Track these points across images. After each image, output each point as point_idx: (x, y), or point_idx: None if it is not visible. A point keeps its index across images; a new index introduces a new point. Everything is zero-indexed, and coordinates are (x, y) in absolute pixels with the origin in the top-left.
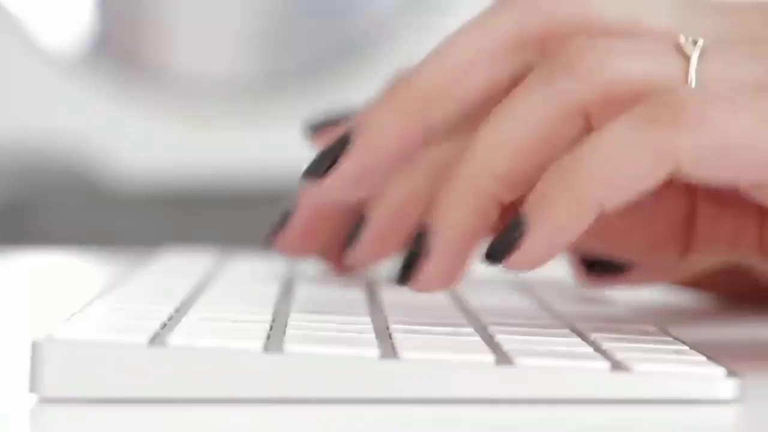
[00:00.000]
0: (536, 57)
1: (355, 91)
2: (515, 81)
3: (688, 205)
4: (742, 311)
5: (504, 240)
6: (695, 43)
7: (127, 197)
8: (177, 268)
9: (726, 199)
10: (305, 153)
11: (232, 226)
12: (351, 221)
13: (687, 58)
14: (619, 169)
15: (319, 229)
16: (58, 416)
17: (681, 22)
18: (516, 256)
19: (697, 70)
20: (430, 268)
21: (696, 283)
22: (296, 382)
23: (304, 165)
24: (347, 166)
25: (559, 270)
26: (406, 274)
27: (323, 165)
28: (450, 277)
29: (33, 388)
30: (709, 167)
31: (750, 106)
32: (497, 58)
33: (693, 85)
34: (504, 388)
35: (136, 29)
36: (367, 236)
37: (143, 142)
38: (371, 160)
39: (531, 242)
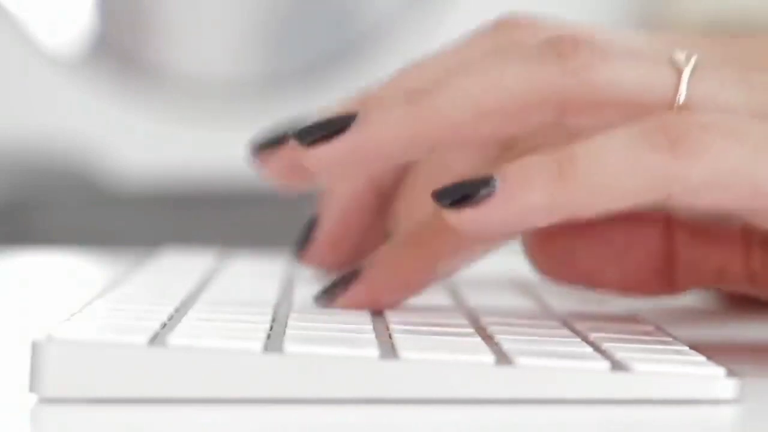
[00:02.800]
0: (548, 120)
1: (354, 90)
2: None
3: (666, 242)
4: (742, 311)
5: (464, 191)
6: (689, 59)
7: (127, 197)
8: (177, 268)
9: (708, 234)
10: None
11: (232, 226)
12: (377, 229)
13: (679, 73)
14: (608, 184)
15: (346, 239)
16: (58, 416)
17: (675, 41)
18: (469, 213)
19: (688, 87)
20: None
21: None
22: (296, 382)
23: None
24: (339, 147)
25: None
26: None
27: (315, 134)
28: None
29: (33, 388)
30: (702, 198)
31: (745, 136)
32: (523, 113)
33: (681, 101)
34: (504, 388)
35: (136, 29)
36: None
37: (143, 142)
38: (366, 149)
39: (491, 208)
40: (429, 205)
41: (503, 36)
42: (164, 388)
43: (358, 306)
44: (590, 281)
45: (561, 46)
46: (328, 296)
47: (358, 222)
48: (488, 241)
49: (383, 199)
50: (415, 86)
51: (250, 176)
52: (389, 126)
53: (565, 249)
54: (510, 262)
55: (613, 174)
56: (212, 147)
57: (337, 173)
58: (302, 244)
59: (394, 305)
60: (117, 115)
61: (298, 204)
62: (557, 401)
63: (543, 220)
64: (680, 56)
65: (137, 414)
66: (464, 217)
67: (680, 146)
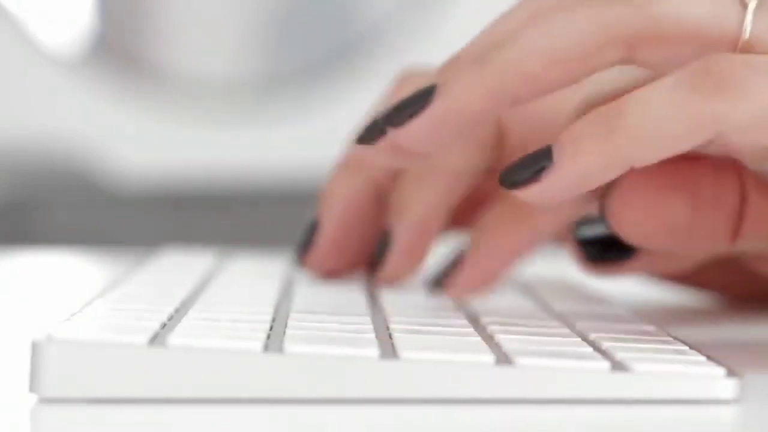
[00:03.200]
0: (624, 56)
1: (354, 90)
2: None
3: (741, 187)
4: (742, 311)
5: (525, 168)
6: (745, 6)
7: (127, 197)
8: (177, 268)
9: None
10: (305, 153)
11: (232, 226)
12: (377, 232)
13: (744, 6)
14: (658, 131)
15: (347, 243)
16: (58, 416)
17: None
18: (533, 188)
19: (753, 21)
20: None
21: (689, 278)
22: (296, 382)
23: (308, 165)
24: (427, 120)
25: (559, 270)
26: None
27: (404, 113)
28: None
29: (33, 388)
30: (751, 136)
31: None
32: (592, 54)
33: (747, 35)
34: (504, 388)
35: (136, 29)
36: (394, 254)
37: (143, 142)
38: (454, 114)
39: (552, 179)
40: (422, 196)
41: None
42: (164, 388)
43: (474, 286)
44: (670, 235)
45: (705, 82)
46: (444, 283)
47: (358, 225)
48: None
49: (382, 200)
50: (487, 45)
51: (250, 176)
52: (468, 88)
53: (647, 204)
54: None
55: (661, 120)
56: (212, 147)
57: (433, 145)
58: (304, 248)
59: (501, 277)
60: (117, 115)
61: (298, 204)
62: (557, 401)
63: (604, 178)
64: None
65: (137, 414)
66: (531, 193)
67: (725, 86)
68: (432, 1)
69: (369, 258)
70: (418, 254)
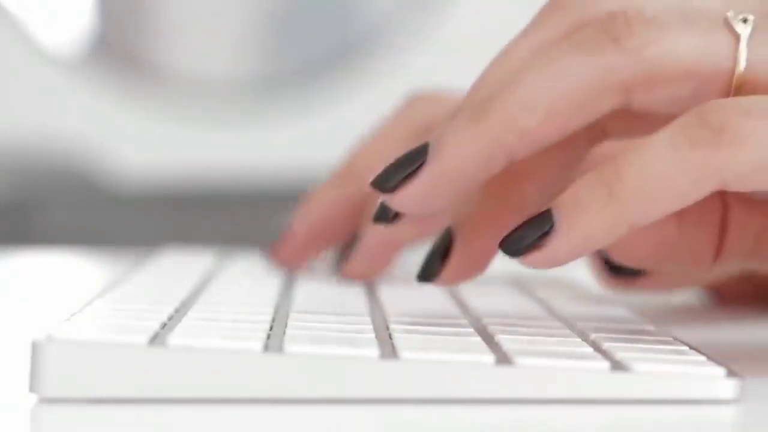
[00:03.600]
0: (619, 102)
1: (354, 90)
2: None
3: (722, 205)
4: (742, 311)
5: (527, 236)
6: (745, 21)
7: (127, 197)
8: (177, 268)
9: (752, 202)
10: (305, 153)
11: (232, 226)
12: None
13: (737, 37)
14: (659, 191)
15: (315, 245)
16: (58, 416)
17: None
18: (537, 255)
19: (747, 51)
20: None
21: (710, 287)
22: (296, 382)
23: (308, 165)
24: (422, 183)
25: (559, 270)
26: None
27: (396, 177)
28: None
29: (33, 388)
30: (752, 182)
31: None
32: (589, 105)
33: (742, 67)
34: (504, 388)
35: (136, 29)
36: (358, 254)
37: (143, 142)
38: (447, 175)
39: (556, 245)
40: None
41: (557, 21)
42: (164, 388)
43: (465, 274)
44: (657, 254)
45: (615, 27)
46: (430, 274)
47: (330, 229)
48: None
49: (359, 207)
50: (480, 99)
51: (250, 176)
52: (461, 148)
53: None
54: (510, 262)
55: (662, 179)
56: (212, 147)
57: (429, 208)
58: (274, 243)
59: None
60: (117, 114)
61: (298, 204)
62: (557, 401)
63: (607, 240)
64: (737, 17)
65: (137, 414)
66: (536, 259)
67: (723, 136)
68: (432, 1)
69: (337, 253)
70: (381, 259)
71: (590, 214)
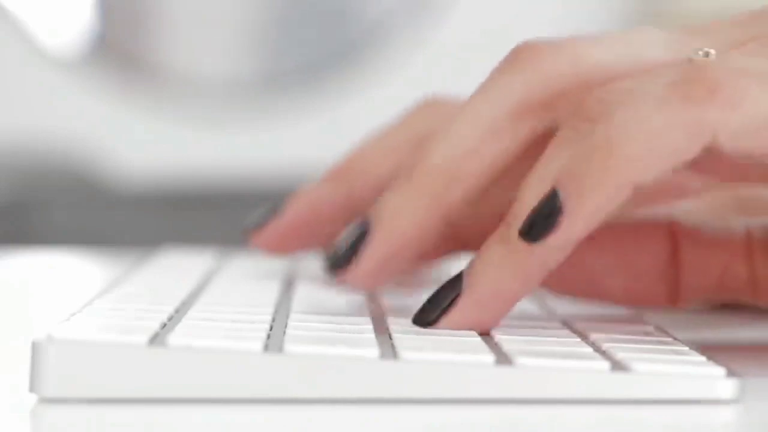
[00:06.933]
0: (543, 120)
1: (354, 90)
2: (526, 147)
3: (671, 247)
4: (742, 311)
5: (541, 220)
6: (707, 55)
7: (127, 197)
8: (177, 268)
9: (711, 240)
10: (304, 153)
11: (232, 226)
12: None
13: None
14: (656, 147)
15: (299, 235)
16: (58, 416)
17: (681, 48)
18: (554, 238)
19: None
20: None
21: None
22: (296, 382)
23: (308, 165)
24: (370, 255)
25: None
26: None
27: (345, 257)
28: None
29: (33, 388)
30: (745, 142)
31: None
32: (505, 130)
33: None
34: (504, 388)
35: (136, 29)
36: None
37: (143, 142)
38: (393, 247)
39: (569, 225)
40: (381, 164)
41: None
42: (164, 388)
43: (465, 326)
44: (596, 291)
45: (587, 108)
46: (430, 317)
47: (317, 222)
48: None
49: (354, 210)
50: (404, 165)
51: (250, 176)
52: (399, 214)
53: (571, 260)
54: None
55: (657, 135)
56: (212, 147)
57: (386, 278)
58: (257, 225)
59: (498, 322)
60: (117, 114)
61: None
62: (557, 401)
63: (615, 203)
64: (697, 55)
65: (137, 414)
66: (552, 243)
67: (717, 94)
68: (432, 1)
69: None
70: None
71: (593, 186)
